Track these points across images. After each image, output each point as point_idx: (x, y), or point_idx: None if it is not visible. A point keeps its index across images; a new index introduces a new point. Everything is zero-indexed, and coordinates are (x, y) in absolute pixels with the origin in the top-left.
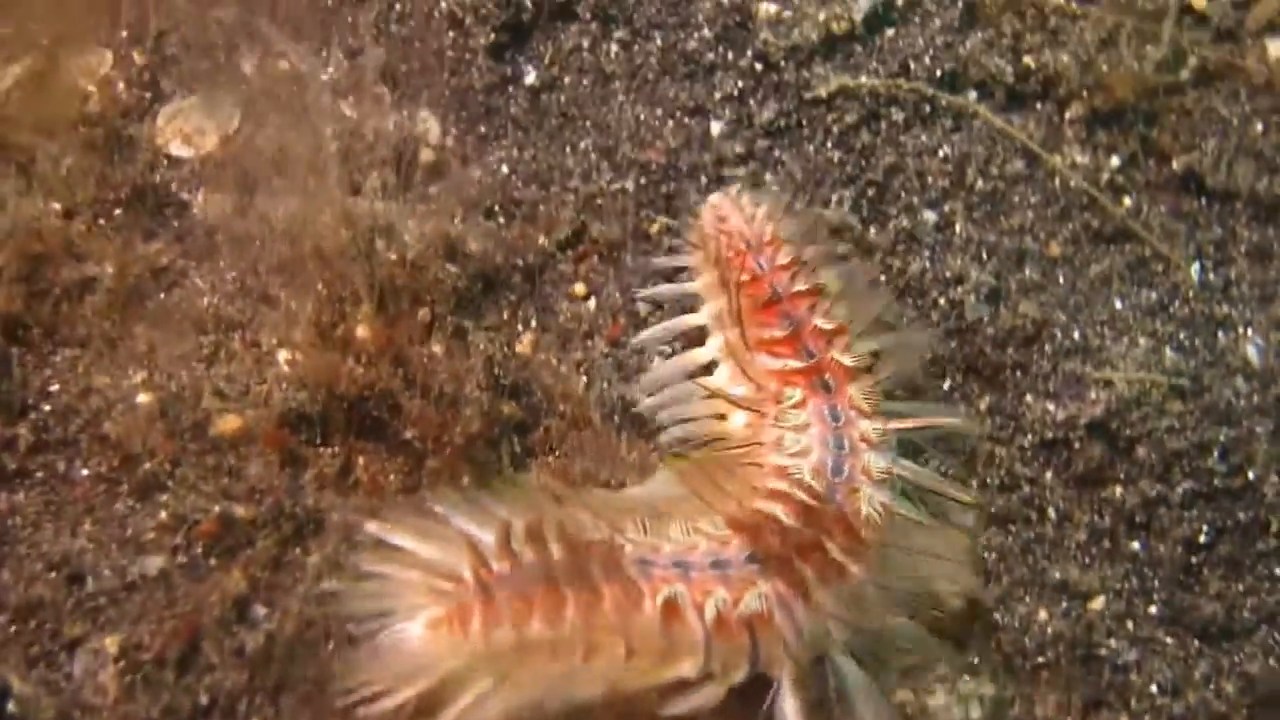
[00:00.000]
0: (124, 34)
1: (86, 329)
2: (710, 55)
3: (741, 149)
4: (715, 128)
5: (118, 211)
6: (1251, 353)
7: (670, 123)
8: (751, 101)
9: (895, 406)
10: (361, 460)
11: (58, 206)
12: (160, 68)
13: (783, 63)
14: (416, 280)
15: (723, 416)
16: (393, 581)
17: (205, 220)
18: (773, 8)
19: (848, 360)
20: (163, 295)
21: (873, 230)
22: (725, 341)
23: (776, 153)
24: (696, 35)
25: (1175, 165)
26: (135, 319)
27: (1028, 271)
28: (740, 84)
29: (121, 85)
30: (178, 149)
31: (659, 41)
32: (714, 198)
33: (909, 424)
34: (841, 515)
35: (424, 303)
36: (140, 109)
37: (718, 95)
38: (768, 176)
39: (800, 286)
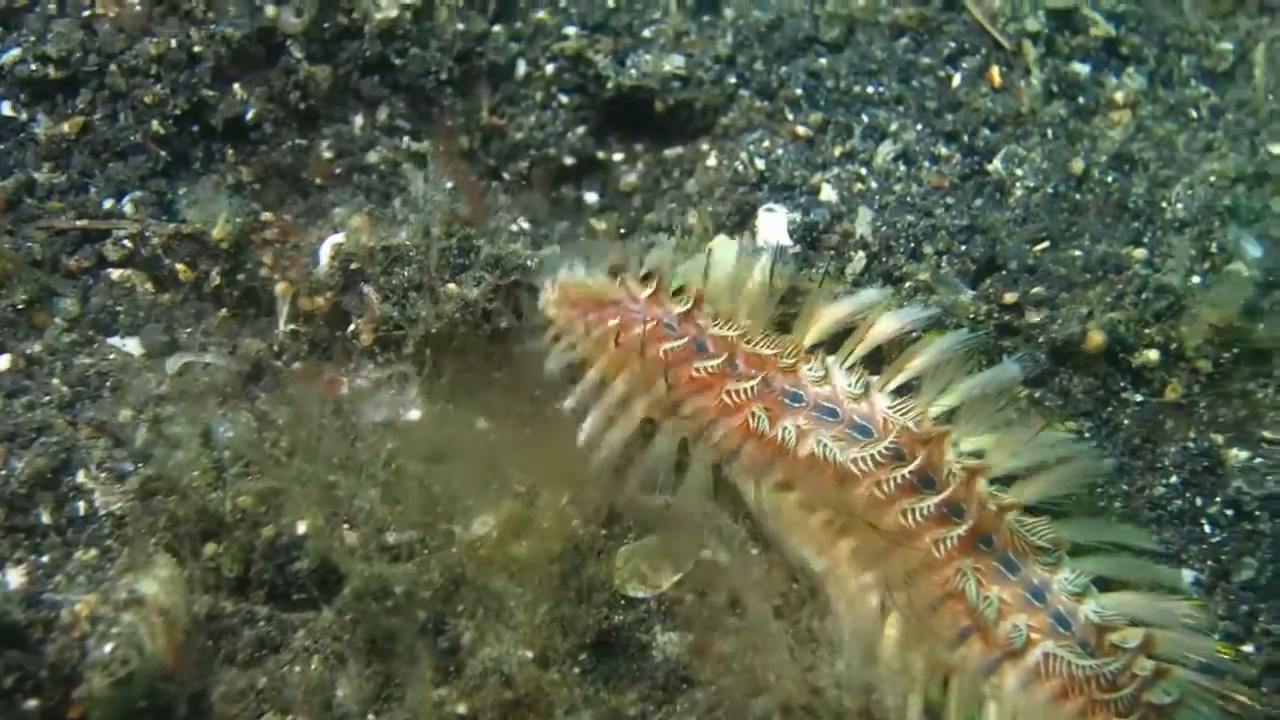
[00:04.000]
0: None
1: None
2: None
3: (1224, 610)
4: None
5: (583, 656)
6: None
7: None
8: (1224, 557)
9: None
10: None
11: (529, 654)
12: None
13: (1257, 512)
14: None
15: None
16: None
17: (665, 663)
18: (1244, 454)
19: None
20: None
21: None
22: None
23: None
24: (1163, 481)
25: None
26: None
27: None
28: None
29: (578, 523)
30: (634, 589)
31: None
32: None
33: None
34: None
35: None
36: (598, 548)
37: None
38: None
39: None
